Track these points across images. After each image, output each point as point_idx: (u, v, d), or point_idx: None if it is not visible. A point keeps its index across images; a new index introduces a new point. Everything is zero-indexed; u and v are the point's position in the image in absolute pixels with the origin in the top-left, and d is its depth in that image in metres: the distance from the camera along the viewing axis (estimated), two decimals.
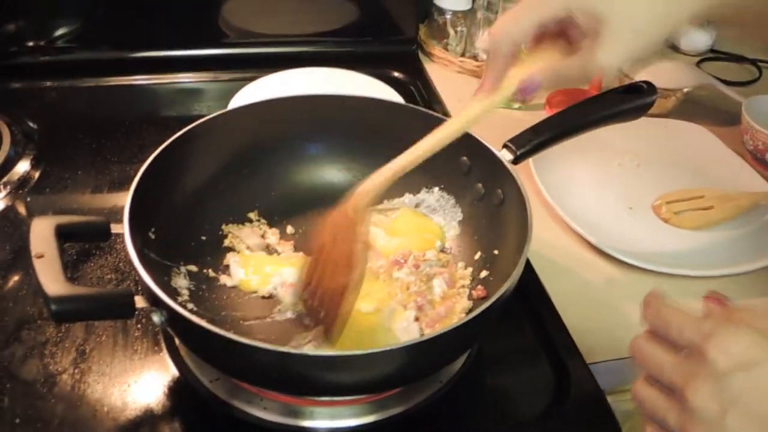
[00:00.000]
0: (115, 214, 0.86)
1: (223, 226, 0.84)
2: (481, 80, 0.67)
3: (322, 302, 0.70)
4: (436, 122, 0.83)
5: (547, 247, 0.90)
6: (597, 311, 0.83)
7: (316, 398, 0.68)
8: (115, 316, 0.62)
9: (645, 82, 0.84)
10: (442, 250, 0.85)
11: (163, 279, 0.71)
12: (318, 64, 1.20)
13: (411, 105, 0.88)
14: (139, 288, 0.66)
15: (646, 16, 0.64)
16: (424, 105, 1.16)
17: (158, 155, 0.74)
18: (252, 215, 0.86)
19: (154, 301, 0.59)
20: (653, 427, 0.51)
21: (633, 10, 0.63)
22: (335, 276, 0.68)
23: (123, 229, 0.64)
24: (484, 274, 0.79)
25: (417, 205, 0.88)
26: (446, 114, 1.09)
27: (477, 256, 0.82)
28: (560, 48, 0.66)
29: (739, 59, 1.43)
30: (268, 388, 0.66)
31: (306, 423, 0.67)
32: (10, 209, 0.91)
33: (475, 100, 0.67)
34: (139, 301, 0.60)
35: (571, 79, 0.66)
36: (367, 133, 0.88)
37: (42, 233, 0.61)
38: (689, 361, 0.48)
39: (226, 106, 1.02)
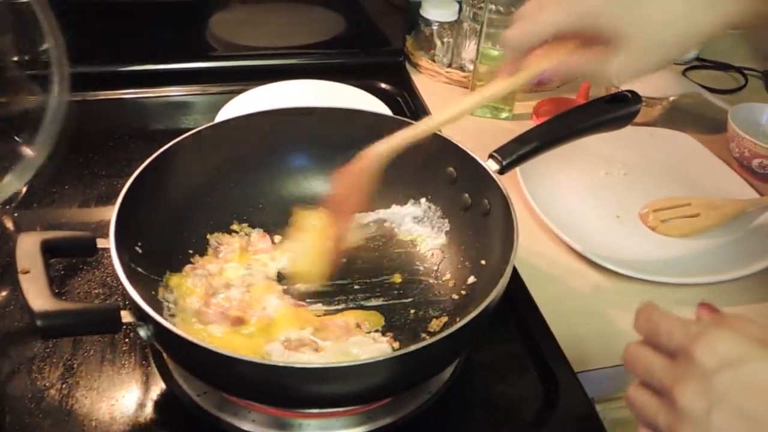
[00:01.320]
0: (102, 229, 0.86)
1: (208, 236, 0.84)
2: (499, 71, 0.69)
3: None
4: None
5: (534, 256, 0.91)
6: (585, 319, 0.84)
7: (305, 410, 0.68)
8: (102, 331, 0.62)
9: (629, 91, 0.84)
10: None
11: (150, 293, 0.70)
12: (305, 76, 1.21)
13: (397, 117, 0.88)
14: (126, 302, 0.66)
15: (666, 33, 0.64)
16: (411, 116, 1.17)
17: (143, 169, 0.74)
18: (237, 227, 0.86)
19: (141, 316, 0.59)
20: (646, 430, 0.51)
21: (652, 28, 0.63)
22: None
23: (109, 243, 0.64)
24: (471, 280, 0.80)
25: (404, 216, 0.89)
26: None
27: (463, 265, 0.82)
28: (579, 42, 0.66)
29: (725, 67, 1.44)
30: (256, 401, 0.66)
31: None
32: None
33: (494, 82, 0.69)
34: (126, 316, 0.60)
35: (584, 76, 0.67)
36: (353, 145, 0.87)
37: (28, 249, 0.61)
38: (678, 362, 0.49)
39: (214, 119, 1.02)
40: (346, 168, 0.72)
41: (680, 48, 0.66)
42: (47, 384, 0.71)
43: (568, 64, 0.67)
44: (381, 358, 0.59)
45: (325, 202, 0.77)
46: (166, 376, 0.72)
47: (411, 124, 0.85)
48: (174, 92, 1.22)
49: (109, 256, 0.81)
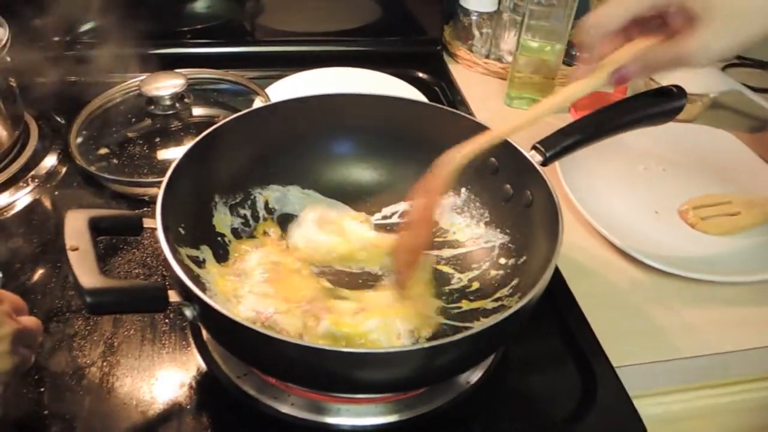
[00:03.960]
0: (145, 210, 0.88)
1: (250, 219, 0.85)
2: (576, 67, 0.69)
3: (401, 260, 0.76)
4: (464, 121, 0.84)
5: (573, 250, 0.90)
6: (622, 314, 0.83)
7: (343, 395, 0.68)
8: (149, 309, 0.63)
9: (675, 86, 0.83)
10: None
11: (192, 273, 0.71)
12: (342, 64, 1.21)
13: (439, 105, 0.87)
14: (168, 282, 0.66)
15: (748, 4, 0.63)
16: (448, 106, 1.16)
17: (188, 152, 0.75)
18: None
19: (187, 296, 0.59)
20: None
21: (730, 2, 0.62)
22: (414, 237, 0.75)
23: (155, 223, 0.64)
24: (511, 271, 0.79)
25: (444, 206, 0.89)
26: (471, 115, 1.09)
27: (503, 256, 0.82)
28: (658, 34, 0.65)
29: (764, 65, 1.42)
30: (297, 383, 0.66)
31: (332, 420, 0.68)
32: (37, 203, 0.92)
33: (573, 84, 0.69)
34: (172, 296, 0.60)
35: (663, 67, 0.66)
36: (394, 133, 0.88)
37: (76, 226, 0.61)
38: None
39: (252, 104, 1.02)
40: (423, 183, 0.71)
41: (765, 21, 0.64)
42: (88, 361, 0.71)
43: (649, 54, 0.66)
44: (421, 347, 0.59)
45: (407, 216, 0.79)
46: (206, 357, 0.72)
47: (453, 113, 0.86)
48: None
49: (149, 237, 0.83)
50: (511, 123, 0.71)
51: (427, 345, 0.58)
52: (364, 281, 0.80)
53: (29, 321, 0.60)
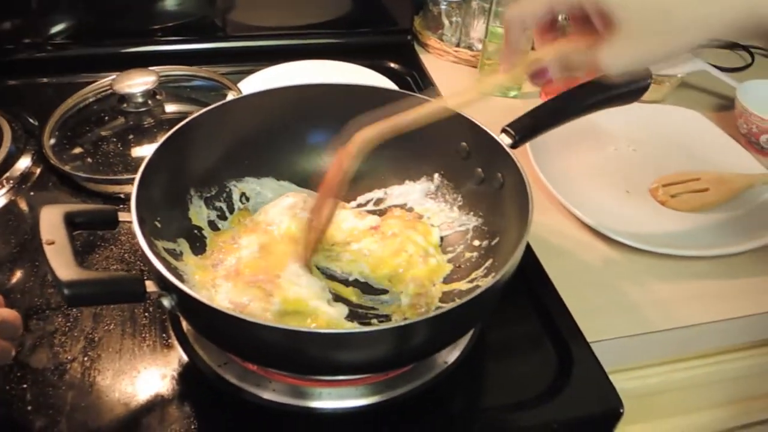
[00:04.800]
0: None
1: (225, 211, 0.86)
2: (500, 61, 0.69)
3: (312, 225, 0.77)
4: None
5: (546, 231, 0.92)
6: (596, 291, 0.85)
7: (323, 378, 0.69)
8: (127, 299, 0.63)
9: None
10: (442, 237, 0.86)
11: (169, 265, 0.71)
12: (314, 57, 1.22)
13: (409, 92, 0.88)
14: (147, 274, 0.67)
15: (668, 18, 0.59)
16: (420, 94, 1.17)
17: (162, 144, 0.75)
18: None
19: (164, 286, 0.60)
20: None
21: (651, 11, 0.59)
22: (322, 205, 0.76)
23: (130, 217, 0.65)
24: (484, 252, 0.81)
25: (418, 192, 0.90)
26: None
27: (477, 238, 0.83)
28: (588, 36, 0.63)
29: (731, 46, 1.44)
30: (277, 368, 0.67)
31: (314, 404, 0.68)
32: (13, 204, 0.92)
33: (493, 75, 0.70)
34: (150, 286, 0.60)
35: (580, 70, 0.65)
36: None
37: (51, 220, 0.62)
38: None
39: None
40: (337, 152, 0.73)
41: (686, 38, 0.60)
42: (69, 357, 0.72)
43: (570, 56, 0.64)
44: (397, 325, 0.60)
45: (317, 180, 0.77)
46: (186, 348, 0.73)
47: (423, 99, 0.86)
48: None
49: (126, 233, 0.83)
50: (418, 112, 0.72)
51: (402, 323, 0.59)
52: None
53: (8, 314, 0.61)
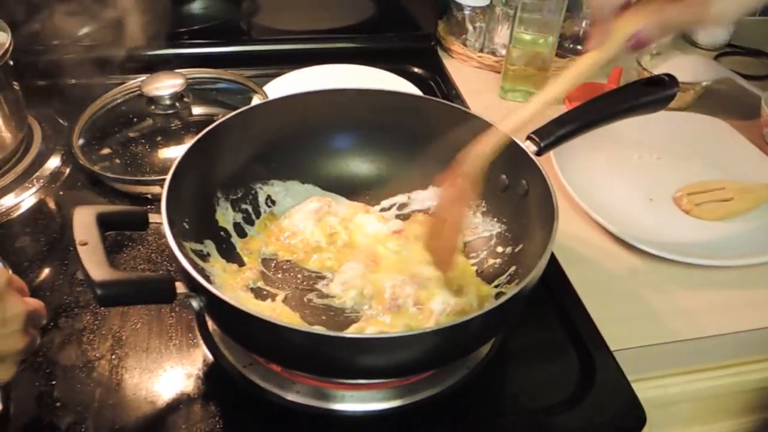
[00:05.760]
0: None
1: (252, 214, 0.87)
2: (587, 39, 0.67)
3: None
4: (458, 113, 0.86)
5: (569, 239, 0.92)
6: (619, 300, 0.85)
7: (347, 381, 0.69)
8: (157, 300, 0.64)
9: (666, 74, 0.85)
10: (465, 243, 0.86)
11: (197, 266, 0.72)
12: (337, 61, 1.22)
13: (434, 98, 0.89)
14: (176, 274, 0.68)
15: None
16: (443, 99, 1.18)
17: (191, 148, 0.76)
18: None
19: (193, 288, 0.61)
20: None
21: None
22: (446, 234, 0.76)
23: (161, 218, 0.66)
24: (508, 259, 0.81)
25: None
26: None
27: (500, 244, 0.83)
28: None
29: (756, 53, 1.43)
30: (303, 371, 0.68)
31: (337, 406, 0.69)
32: (42, 203, 0.94)
33: (584, 57, 0.67)
34: (179, 287, 0.61)
35: (681, 27, 0.63)
36: (391, 127, 0.89)
37: (84, 221, 0.63)
38: None
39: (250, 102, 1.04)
40: (448, 175, 0.73)
41: None
42: (97, 355, 0.73)
43: (663, 18, 0.63)
44: (423, 331, 0.60)
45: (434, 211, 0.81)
46: (212, 348, 0.74)
47: (447, 105, 0.87)
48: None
49: (154, 234, 0.85)
50: (521, 116, 0.71)
51: (427, 330, 0.60)
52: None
53: (36, 303, 0.62)
